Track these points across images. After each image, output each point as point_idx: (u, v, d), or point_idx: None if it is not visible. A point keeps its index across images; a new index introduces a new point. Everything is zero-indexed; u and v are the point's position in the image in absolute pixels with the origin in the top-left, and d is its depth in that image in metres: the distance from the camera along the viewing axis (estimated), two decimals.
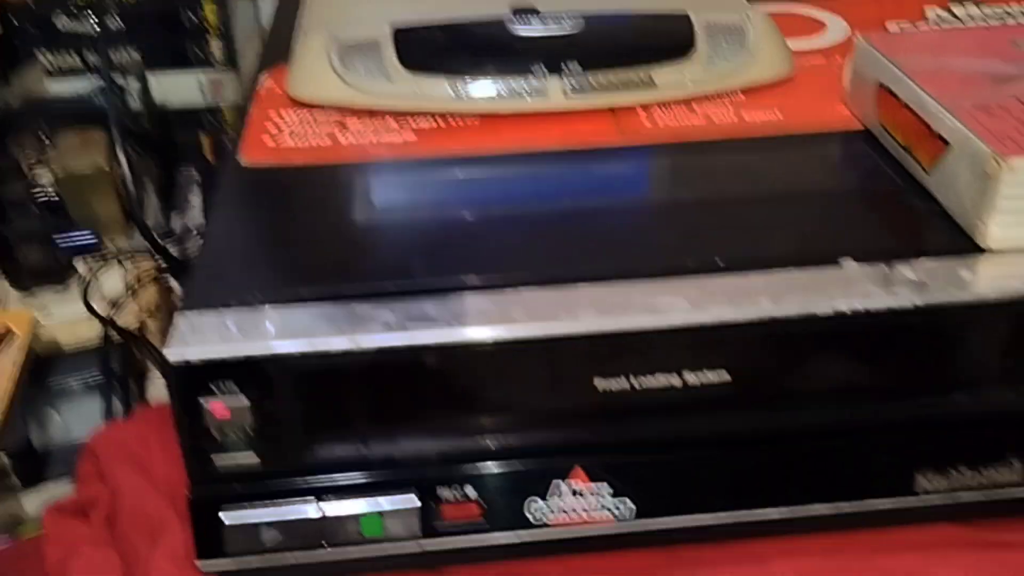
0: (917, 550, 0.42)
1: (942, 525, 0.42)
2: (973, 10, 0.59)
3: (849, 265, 0.37)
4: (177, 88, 0.89)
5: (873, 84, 0.46)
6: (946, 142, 0.39)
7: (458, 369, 0.36)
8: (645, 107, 0.50)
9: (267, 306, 0.36)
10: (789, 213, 0.42)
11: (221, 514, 0.37)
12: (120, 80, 0.85)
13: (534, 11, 0.49)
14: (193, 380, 0.34)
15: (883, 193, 0.42)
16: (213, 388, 0.34)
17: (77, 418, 0.66)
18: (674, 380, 0.37)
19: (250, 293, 0.36)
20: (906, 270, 0.37)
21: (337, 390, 0.36)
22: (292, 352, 0.34)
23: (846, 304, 0.35)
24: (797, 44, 0.56)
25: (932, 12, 0.59)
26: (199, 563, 0.38)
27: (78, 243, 0.74)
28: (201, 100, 0.90)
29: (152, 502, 0.46)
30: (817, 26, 0.59)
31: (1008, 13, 0.58)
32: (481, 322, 0.35)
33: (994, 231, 0.37)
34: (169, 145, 0.89)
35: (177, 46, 0.88)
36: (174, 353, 0.34)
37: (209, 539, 0.37)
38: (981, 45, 0.45)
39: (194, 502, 0.37)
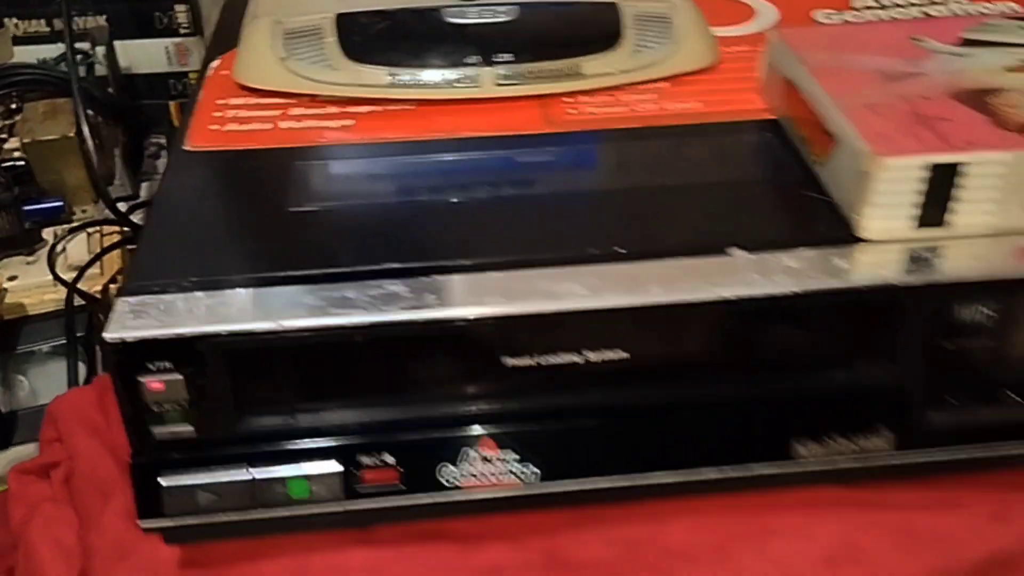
0: (801, 509, 0.46)
1: (824, 487, 0.46)
2: None
3: (737, 254, 0.40)
4: (144, 55, 0.91)
5: (781, 78, 0.49)
6: (834, 137, 0.43)
7: (376, 349, 0.39)
8: (572, 96, 0.52)
9: (200, 289, 0.39)
10: (689, 202, 0.45)
11: (160, 479, 0.40)
12: (87, 47, 0.87)
13: None
14: (130, 358, 0.37)
15: (781, 184, 0.45)
16: (149, 366, 0.38)
17: (44, 382, 0.70)
18: (575, 358, 0.41)
19: (186, 276, 0.39)
20: (788, 259, 0.40)
21: (264, 367, 0.39)
22: (221, 332, 0.37)
23: (729, 291, 0.39)
24: (726, 31, 0.58)
25: (860, 1, 0.62)
26: (141, 523, 0.41)
27: (45, 210, 0.76)
28: (168, 66, 0.92)
29: (104, 465, 0.50)
30: (748, 12, 0.62)
31: (933, 1, 0.61)
32: (397, 307, 0.38)
33: (869, 223, 0.40)
34: (136, 112, 0.91)
35: (144, 14, 0.90)
36: (112, 334, 0.37)
37: (149, 501, 0.41)
38: (883, 42, 0.48)
39: (135, 468, 0.40)
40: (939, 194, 0.40)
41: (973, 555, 0.46)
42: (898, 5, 0.61)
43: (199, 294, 0.38)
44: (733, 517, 0.46)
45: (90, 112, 0.76)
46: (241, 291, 0.39)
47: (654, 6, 0.55)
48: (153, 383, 0.38)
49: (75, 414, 0.54)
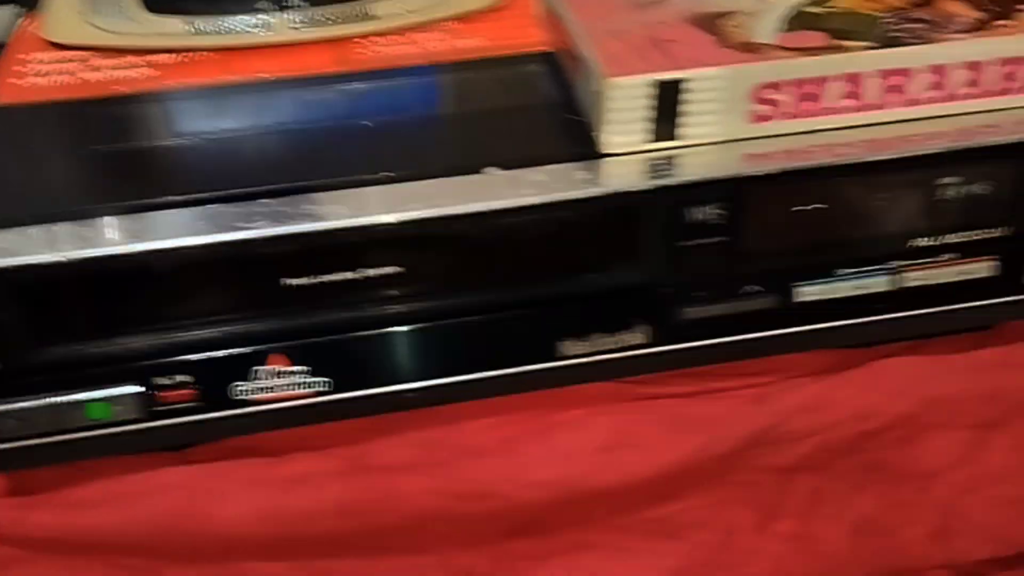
0: (580, 405, 0.51)
1: (600, 384, 0.51)
2: None
3: (492, 172, 0.45)
4: None
5: (551, 11, 0.53)
6: (581, 62, 0.47)
7: (161, 275, 0.43)
8: (365, 37, 0.56)
9: None
10: (463, 129, 0.49)
11: None
12: None
13: None
14: None
15: (544, 109, 0.50)
16: None
17: None
18: (352, 274, 0.45)
19: None
20: (536, 174, 0.44)
21: (54, 297, 0.42)
22: (8, 266, 0.40)
23: (480, 205, 0.43)
24: None
25: None
26: None
27: None
28: None
29: None
30: None
31: None
32: (173, 235, 0.42)
33: (608, 139, 0.45)
34: None
35: None
36: None
37: None
38: None
39: None
40: (668, 109, 0.45)
41: (737, 433, 0.52)
42: None
43: None
44: (519, 415, 0.51)
45: None
46: (30, 228, 0.42)
47: None
48: None
49: None
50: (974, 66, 0.45)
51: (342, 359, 0.46)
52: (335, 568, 0.51)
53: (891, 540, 0.55)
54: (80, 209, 0.43)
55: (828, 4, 0.49)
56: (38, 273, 0.41)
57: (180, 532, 0.48)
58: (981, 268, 0.49)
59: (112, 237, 0.42)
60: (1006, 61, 0.45)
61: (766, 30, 0.47)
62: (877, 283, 0.49)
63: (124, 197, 0.43)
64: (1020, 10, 0.48)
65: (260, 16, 0.55)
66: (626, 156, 0.45)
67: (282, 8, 0.55)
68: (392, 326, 0.46)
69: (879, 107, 0.46)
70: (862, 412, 0.52)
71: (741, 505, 0.54)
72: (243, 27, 0.55)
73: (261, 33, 0.55)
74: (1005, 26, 0.46)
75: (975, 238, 0.48)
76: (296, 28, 0.55)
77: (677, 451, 0.51)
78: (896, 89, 0.45)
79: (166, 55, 0.54)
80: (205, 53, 0.55)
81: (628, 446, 0.51)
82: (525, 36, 0.56)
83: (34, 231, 0.42)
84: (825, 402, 0.52)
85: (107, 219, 0.42)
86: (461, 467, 0.50)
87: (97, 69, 0.53)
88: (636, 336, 0.48)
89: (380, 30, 0.56)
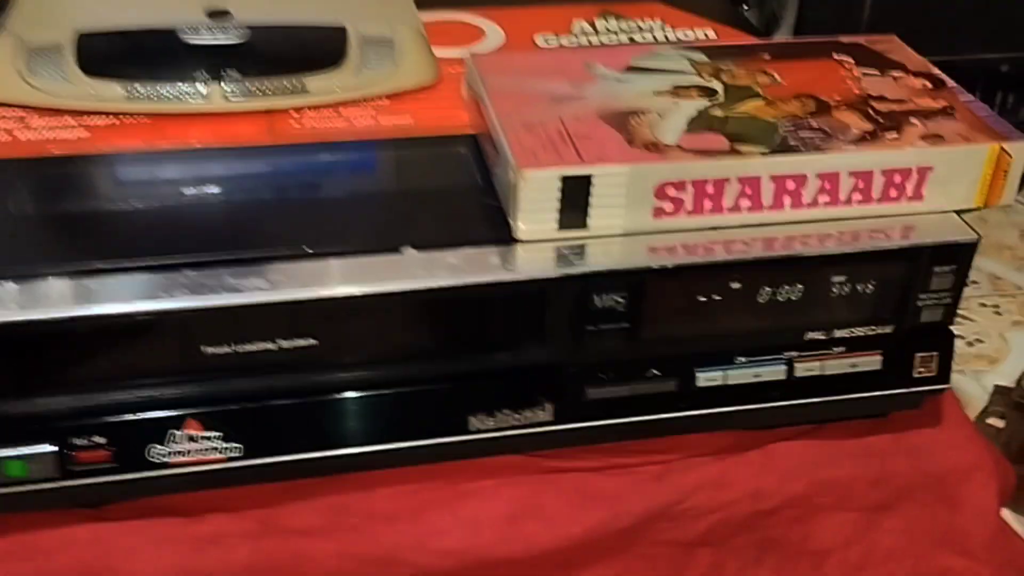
0: (488, 475, 0.53)
1: (509, 456, 0.53)
2: (612, 24, 0.70)
3: (408, 253, 0.47)
4: None
5: (474, 96, 0.55)
6: (498, 151, 0.49)
7: (80, 338, 0.44)
8: (297, 111, 0.58)
9: None
10: (384, 207, 0.51)
11: None
12: None
13: (225, 14, 0.57)
14: None
15: (463, 191, 0.52)
16: None
17: None
18: (269, 345, 0.46)
19: None
20: (451, 257, 0.47)
21: None
22: None
23: (395, 285, 0.45)
24: (453, 52, 0.65)
25: (577, 25, 0.69)
26: None
27: None
28: None
29: None
30: (479, 34, 0.69)
31: (639, 28, 0.69)
32: (97, 300, 0.43)
33: (521, 226, 0.47)
34: None
35: None
36: None
37: None
38: (560, 67, 0.56)
39: None
40: (576, 201, 0.47)
41: (638, 509, 0.54)
42: (609, 31, 0.69)
43: None
44: (429, 483, 0.53)
45: None
46: None
47: (378, 29, 0.61)
48: None
49: None
50: (862, 175, 0.49)
51: (254, 426, 0.48)
52: None
53: None
54: (2, 270, 0.44)
55: (731, 108, 0.52)
56: None
57: None
58: (869, 362, 0.52)
59: (32, 301, 0.43)
60: (890, 171, 0.49)
61: (671, 131, 0.50)
62: (773, 371, 0.52)
63: (49, 261, 0.45)
64: (910, 124, 0.51)
65: (196, 85, 0.56)
66: (537, 243, 0.48)
67: (217, 79, 0.57)
68: (306, 396, 0.48)
69: (774, 208, 0.49)
70: (758, 491, 0.55)
71: None
72: (178, 95, 0.56)
73: (196, 102, 0.56)
74: (894, 139, 0.50)
75: (863, 333, 0.51)
76: (229, 99, 0.57)
77: (581, 523, 0.53)
78: (789, 192, 0.49)
79: (101, 117, 0.56)
80: (140, 118, 0.56)
81: (533, 517, 0.52)
82: (451, 118, 0.58)
83: None
84: (723, 481, 0.54)
85: (30, 282, 0.44)
86: (370, 532, 0.51)
87: (32, 128, 0.55)
88: (541, 413, 0.50)
89: (312, 104, 0.58)
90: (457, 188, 0.53)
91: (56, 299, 0.43)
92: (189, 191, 0.51)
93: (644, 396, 0.51)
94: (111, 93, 0.56)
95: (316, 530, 0.51)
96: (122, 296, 0.44)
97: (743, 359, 0.51)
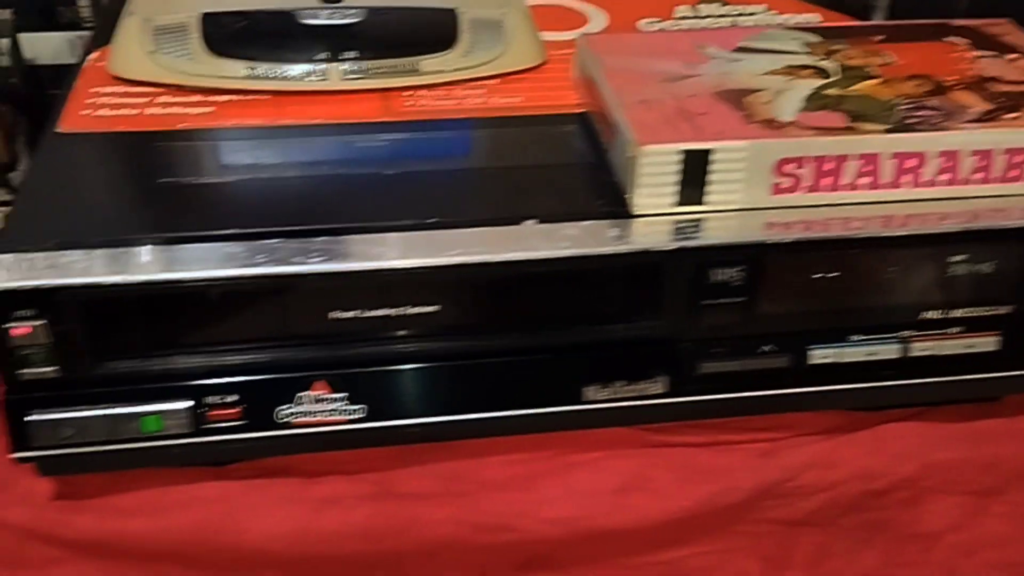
0: (598, 447, 0.54)
1: (619, 428, 0.54)
2: (715, 9, 0.70)
3: (528, 224, 0.48)
4: (48, 47, 0.95)
5: (586, 77, 0.56)
6: (615, 128, 0.50)
7: (220, 299, 0.46)
8: (411, 90, 0.59)
9: (61, 249, 0.45)
10: (501, 182, 0.52)
11: (27, 415, 0.46)
12: None
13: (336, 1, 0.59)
14: None
15: (580, 167, 0.53)
16: (14, 314, 0.44)
17: None
18: (393, 311, 0.48)
19: (50, 239, 0.45)
20: (570, 229, 0.48)
21: (117, 315, 0.45)
22: (75, 284, 0.43)
23: (515, 254, 0.46)
24: (558, 35, 0.66)
25: (680, 10, 0.70)
26: (12, 455, 0.47)
27: None
28: (71, 58, 0.96)
29: None
30: (582, 19, 0.70)
31: (741, 13, 0.70)
32: (233, 264, 0.45)
33: (638, 200, 0.48)
34: (41, 101, 0.96)
35: (48, 7, 0.94)
36: None
37: (20, 435, 0.47)
38: (672, 48, 0.56)
39: (6, 405, 0.46)
40: (694, 176, 0.48)
41: (746, 485, 0.54)
42: (712, 16, 0.69)
43: (59, 253, 0.45)
44: (538, 453, 0.54)
45: None
46: (98, 250, 0.45)
47: (488, 12, 0.62)
48: (17, 329, 0.44)
49: None
50: (983, 154, 0.49)
51: (378, 389, 0.49)
52: None
53: None
54: (144, 236, 0.46)
55: (846, 87, 0.53)
56: (101, 292, 0.44)
57: (214, 544, 0.50)
58: (986, 342, 0.52)
59: (172, 263, 0.45)
60: (1011, 151, 0.49)
61: (788, 109, 0.50)
62: (887, 350, 0.52)
63: (187, 227, 0.47)
64: None
65: (315, 64, 0.58)
66: (654, 217, 0.49)
67: (335, 59, 0.58)
68: (427, 362, 0.49)
69: (893, 186, 0.49)
70: (867, 472, 0.55)
71: (747, 555, 0.56)
72: (298, 74, 0.58)
73: (315, 81, 0.58)
74: (1014, 118, 0.50)
75: (981, 314, 0.51)
76: (346, 78, 0.58)
77: (688, 498, 0.53)
78: (909, 171, 0.49)
79: (225, 95, 0.58)
80: (261, 95, 0.58)
81: (641, 490, 0.53)
82: (560, 98, 0.59)
83: (98, 253, 0.45)
84: (832, 460, 0.54)
85: (170, 246, 0.46)
86: (481, 499, 0.52)
87: (163, 106, 0.57)
88: (655, 386, 0.51)
89: (424, 84, 0.60)
90: (571, 164, 0.54)
91: (194, 262, 0.45)
92: (318, 165, 0.53)
93: (757, 372, 0.51)
94: (234, 71, 0.58)
95: (430, 495, 0.52)
96: (258, 261, 0.45)
97: (857, 337, 0.51)
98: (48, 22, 0.95)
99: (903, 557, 0.57)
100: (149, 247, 0.45)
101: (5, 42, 0.92)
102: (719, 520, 0.55)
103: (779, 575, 0.57)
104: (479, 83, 0.60)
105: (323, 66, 0.58)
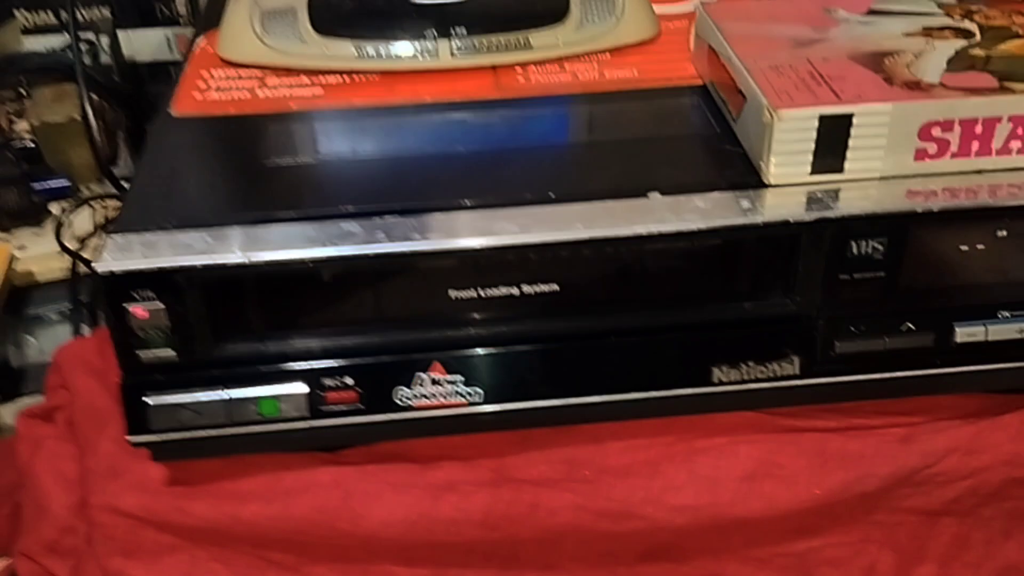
0: (724, 432, 0.51)
1: (745, 413, 0.51)
2: None
3: (655, 197, 0.46)
4: (146, 44, 0.96)
5: (705, 46, 0.54)
6: (744, 95, 0.48)
7: (337, 280, 0.45)
8: (522, 66, 0.58)
9: (180, 229, 0.44)
10: (619, 155, 0.50)
11: (146, 398, 0.46)
12: (92, 37, 0.92)
13: None
14: (117, 288, 0.43)
15: (702, 139, 0.51)
16: (134, 295, 0.43)
17: (51, 342, 0.75)
18: (513, 290, 0.46)
19: (168, 219, 0.45)
20: (699, 201, 0.45)
21: (237, 297, 0.45)
22: (195, 265, 0.43)
23: (643, 228, 0.44)
24: (669, 8, 0.64)
25: None
26: (129, 438, 0.47)
27: (53, 187, 0.82)
28: (169, 54, 0.97)
29: (102, 399, 0.55)
30: None
31: None
32: (350, 243, 0.44)
33: (772, 169, 0.46)
34: (139, 97, 0.97)
35: (145, 5, 0.95)
36: (102, 266, 0.42)
37: (137, 419, 0.46)
38: (797, 12, 0.53)
39: (124, 389, 0.46)
40: (833, 142, 0.45)
41: (883, 472, 0.51)
42: None
43: (178, 233, 0.44)
44: (663, 438, 0.51)
45: (94, 97, 0.81)
46: (217, 230, 0.44)
47: None
48: (138, 310, 0.43)
49: (77, 360, 0.59)
50: None
51: (495, 371, 0.47)
52: None
53: None
54: (262, 215, 0.45)
55: (991, 47, 0.49)
56: (220, 273, 0.43)
57: (330, 530, 0.49)
58: None
59: (287, 242, 0.44)
60: None
61: (932, 70, 0.47)
62: None
63: (303, 206, 0.46)
64: None
65: (424, 42, 0.57)
66: (789, 187, 0.46)
67: (445, 36, 0.57)
68: (547, 343, 0.47)
69: None
70: (1012, 459, 0.51)
71: (881, 547, 0.53)
72: (407, 53, 0.57)
73: (424, 59, 0.57)
74: None
75: None
76: (456, 55, 0.57)
77: (822, 486, 0.51)
78: None
79: (334, 76, 0.57)
80: (370, 76, 0.57)
81: (770, 477, 0.51)
82: (676, 70, 0.57)
83: (217, 233, 0.44)
84: (976, 446, 0.51)
85: (285, 225, 0.44)
86: (604, 486, 0.50)
87: (273, 88, 0.56)
88: (787, 366, 0.48)
89: (536, 59, 0.58)
90: (694, 136, 0.51)
91: (311, 241, 0.44)
92: (428, 143, 0.52)
93: (897, 351, 0.48)
94: (343, 52, 0.57)
95: (550, 482, 0.51)
96: (373, 238, 0.44)
97: (1007, 313, 0.48)
98: (146, 19, 0.96)
99: None
100: (266, 226, 0.44)
101: (104, 40, 0.94)
102: (852, 509, 0.52)
103: (913, 569, 0.54)
104: (592, 57, 0.58)
105: (432, 44, 0.57)
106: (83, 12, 0.93)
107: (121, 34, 0.94)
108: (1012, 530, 0.53)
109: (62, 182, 0.82)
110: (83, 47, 0.89)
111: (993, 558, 0.54)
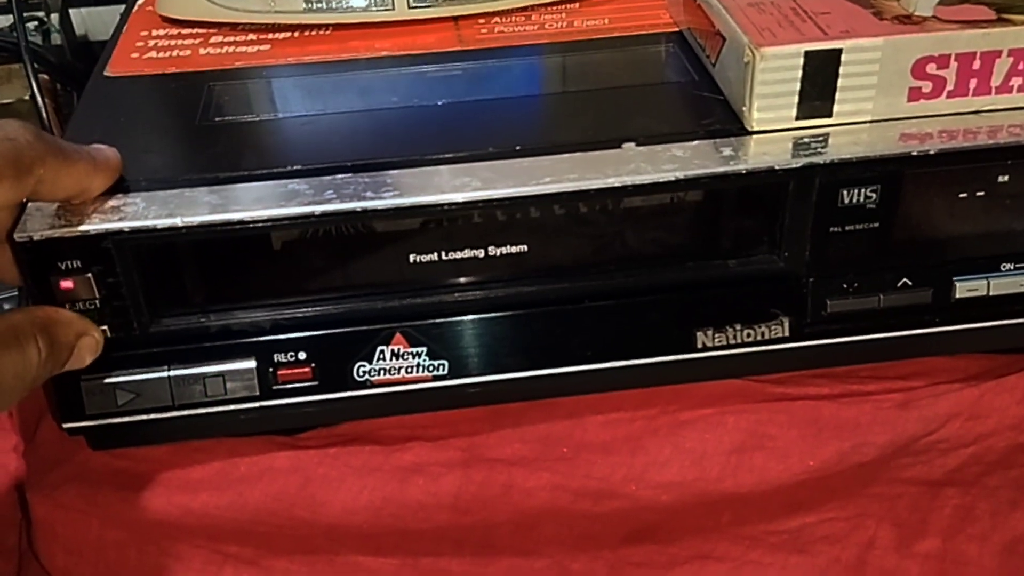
0: (711, 402, 0.48)
1: (733, 381, 0.48)
2: None
3: (629, 147, 0.42)
4: (101, 22, 0.92)
5: None
6: (723, 37, 0.44)
7: (286, 245, 0.41)
8: (486, 16, 0.54)
9: (108, 194, 0.40)
10: (590, 105, 0.46)
11: (80, 380, 0.42)
12: (42, 15, 0.88)
13: None
14: (40, 258, 0.39)
15: (679, 86, 0.47)
16: (59, 265, 0.39)
17: None
18: (477, 252, 0.42)
19: None
20: (677, 150, 0.42)
21: (172, 265, 0.41)
22: (124, 229, 0.39)
23: (616, 179, 0.40)
24: None
25: None
26: (63, 425, 0.43)
27: None
28: None
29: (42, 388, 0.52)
30: None
31: None
32: (296, 202, 0.40)
33: (755, 114, 0.42)
34: None
35: None
36: (20, 234, 0.38)
37: (70, 404, 0.42)
38: None
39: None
40: (820, 83, 0.41)
41: (880, 441, 0.48)
42: None
43: (108, 198, 0.40)
44: (645, 410, 0.48)
45: (45, 76, 0.77)
46: (147, 193, 0.40)
47: None
48: (64, 282, 0.39)
49: None
50: None
51: (461, 341, 0.44)
52: (445, 568, 0.49)
53: None
54: (196, 176, 0.41)
55: None
56: (153, 238, 0.39)
57: (289, 519, 0.46)
58: None
59: (228, 203, 0.40)
60: None
61: (925, 3, 0.44)
62: None
63: (243, 165, 0.42)
64: None
65: None
66: (773, 133, 0.42)
67: None
68: (515, 309, 0.44)
69: None
70: (1019, 423, 0.48)
71: (880, 521, 0.50)
72: (362, 4, 0.53)
73: (380, 10, 0.53)
74: None
75: None
76: (416, 6, 0.53)
77: (816, 457, 0.47)
78: None
79: (283, 32, 0.53)
80: (321, 31, 0.53)
81: (762, 449, 0.47)
82: (649, 17, 0.53)
83: (148, 196, 0.40)
84: (979, 410, 0.47)
85: (225, 187, 0.41)
86: (583, 464, 0.47)
87: (217, 46, 0.52)
88: (776, 328, 0.45)
89: (500, 9, 0.54)
90: (670, 84, 0.48)
91: (254, 201, 0.40)
92: (383, 98, 0.48)
93: (894, 309, 0.45)
94: (291, 5, 0.53)
95: (525, 461, 0.47)
96: (323, 197, 0.40)
97: (1010, 266, 0.44)
98: None
99: None
100: (204, 188, 0.41)
101: (55, 18, 0.89)
102: (848, 482, 0.49)
103: (915, 543, 0.51)
104: (560, 6, 0.55)
105: None
106: None
107: (75, 13, 0.90)
108: (1020, 500, 0.50)
109: None
110: (32, 26, 0.85)
111: (999, 530, 0.50)
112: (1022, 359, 0.49)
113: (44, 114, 0.74)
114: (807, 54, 0.41)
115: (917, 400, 0.48)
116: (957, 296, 0.45)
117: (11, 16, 0.89)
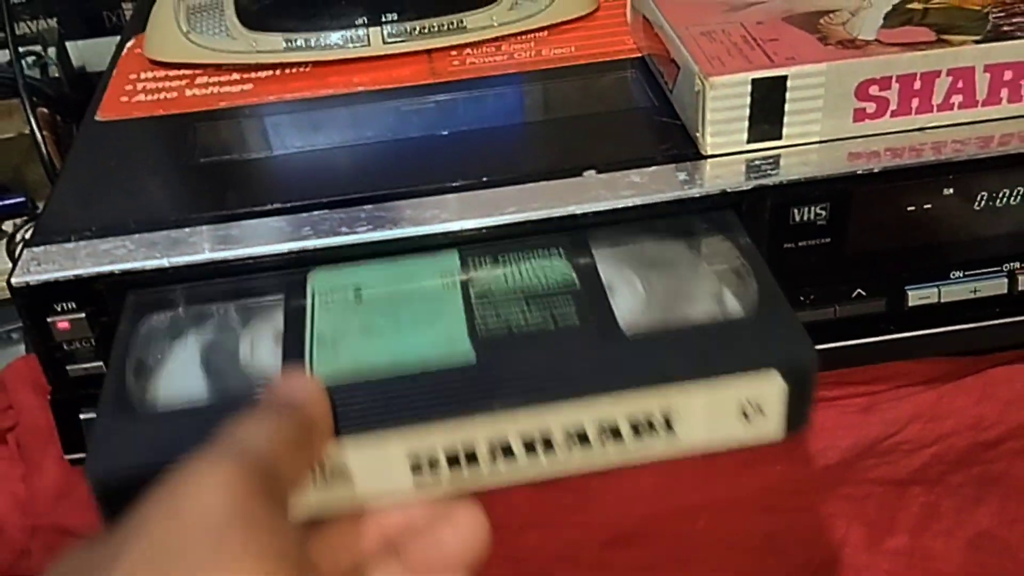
0: None
1: None
2: None
3: (590, 175, 0.44)
4: (97, 54, 0.94)
5: (641, 17, 0.52)
6: (677, 65, 0.46)
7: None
8: (457, 49, 0.56)
9: (100, 237, 0.43)
10: (555, 134, 0.49)
11: (79, 414, 0.44)
12: (39, 50, 0.91)
13: None
14: (36, 301, 0.41)
15: (640, 112, 0.49)
16: (55, 307, 0.42)
17: (4, 363, 0.73)
18: None
19: (87, 227, 0.43)
20: (635, 176, 0.44)
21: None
22: (114, 271, 0.41)
23: (577, 208, 0.43)
24: None
25: None
26: (66, 456, 0.45)
27: (9, 204, 0.80)
28: None
29: (46, 417, 0.54)
30: None
31: None
32: (279, 239, 0.42)
33: (708, 139, 0.44)
34: None
35: (93, 14, 0.93)
36: (17, 279, 0.41)
37: (72, 436, 0.45)
38: None
39: (55, 405, 0.44)
40: (768, 107, 0.44)
41: (844, 444, 0.50)
42: None
43: (98, 241, 0.42)
44: None
45: (44, 110, 0.79)
46: (136, 235, 0.43)
47: None
48: (59, 323, 0.42)
49: (22, 378, 0.58)
50: None
51: None
52: None
53: (1011, 558, 0.52)
54: (185, 216, 0.43)
55: (931, 1, 0.48)
56: (140, 278, 0.42)
57: None
58: None
59: (216, 244, 0.42)
60: None
61: (868, 27, 0.46)
62: (992, 286, 0.47)
63: (228, 205, 0.44)
64: None
65: (355, 30, 0.55)
66: (727, 157, 0.45)
67: (376, 22, 0.55)
68: None
69: (989, 103, 0.44)
70: (977, 422, 0.50)
71: (849, 520, 0.52)
72: (338, 41, 0.55)
73: (356, 47, 0.55)
74: None
75: None
76: (389, 41, 0.55)
77: (782, 460, 0.49)
78: (1007, 84, 0.44)
79: (265, 71, 0.56)
80: (301, 68, 0.56)
81: (732, 456, 0.49)
82: (614, 44, 0.56)
83: (137, 238, 0.43)
84: (939, 412, 0.50)
85: (210, 227, 0.43)
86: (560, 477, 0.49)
87: (202, 87, 0.55)
88: None
89: (471, 41, 0.57)
90: (631, 110, 0.50)
91: (237, 240, 0.42)
92: (360, 133, 0.50)
93: (850, 319, 0.47)
94: (271, 45, 0.56)
95: None
96: (304, 235, 0.42)
97: (959, 273, 0.47)
98: (95, 29, 0.94)
99: (1021, 512, 0.52)
100: (188, 229, 0.43)
101: (52, 51, 0.92)
102: (816, 484, 0.51)
103: (884, 541, 0.53)
104: (529, 36, 0.57)
105: (363, 31, 0.55)
106: (29, 25, 0.91)
107: (71, 45, 0.92)
108: (983, 496, 0.52)
109: (17, 200, 0.81)
110: (30, 60, 0.87)
111: (964, 525, 0.52)
112: (981, 361, 0.51)
113: (44, 148, 0.77)
114: (754, 81, 0.43)
115: (879, 404, 0.50)
116: (910, 304, 0.47)
117: (5, 51, 0.92)
